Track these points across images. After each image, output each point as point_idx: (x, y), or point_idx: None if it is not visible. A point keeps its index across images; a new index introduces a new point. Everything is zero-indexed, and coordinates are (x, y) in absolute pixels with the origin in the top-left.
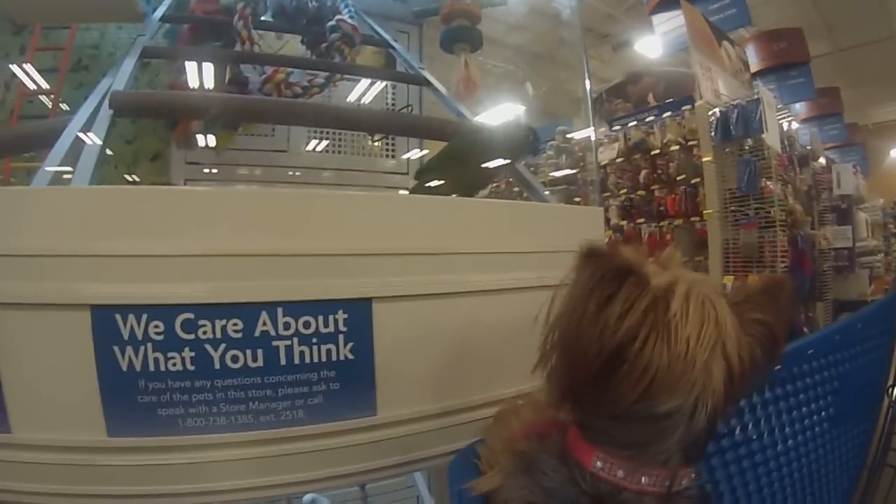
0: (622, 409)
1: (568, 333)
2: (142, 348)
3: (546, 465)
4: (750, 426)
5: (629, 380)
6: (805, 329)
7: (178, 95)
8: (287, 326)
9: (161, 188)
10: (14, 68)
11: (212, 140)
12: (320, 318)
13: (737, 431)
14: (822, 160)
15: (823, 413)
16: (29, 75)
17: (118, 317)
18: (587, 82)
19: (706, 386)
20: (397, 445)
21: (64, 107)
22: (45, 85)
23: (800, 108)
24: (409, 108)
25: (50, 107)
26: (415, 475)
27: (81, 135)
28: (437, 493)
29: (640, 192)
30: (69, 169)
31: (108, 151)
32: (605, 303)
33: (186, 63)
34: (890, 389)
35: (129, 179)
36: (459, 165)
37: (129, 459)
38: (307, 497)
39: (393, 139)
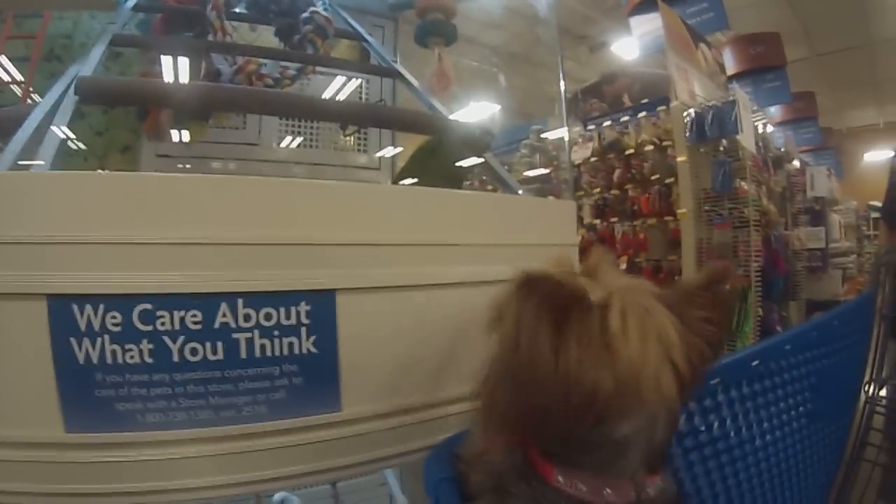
0: (574, 436)
1: (517, 369)
2: (99, 340)
3: (513, 485)
4: (728, 422)
5: (578, 408)
6: (778, 328)
7: (145, 82)
8: (247, 318)
9: (118, 174)
10: None
11: (183, 133)
12: (282, 310)
13: (715, 427)
14: (796, 162)
15: (801, 408)
16: (0, 64)
17: (75, 307)
18: (562, 81)
19: (659, 401)
20: (363, 442)
21: (35, 97)
22: (16, 74)
23: (775, 111)
24: (382, 101)
25: (20, 96)
26: (386, 473)
27: (49, 124)
28: (410, 492)
29: (613, 192)
30: (35, 163)
31: (80, 144)
32: (554, 334)
33: (158, 53)
34: (866, 386)
35: (102, 171)
36: (433, 164)
37: (88, 456)
38: (277, 496)
39: (365, 134)
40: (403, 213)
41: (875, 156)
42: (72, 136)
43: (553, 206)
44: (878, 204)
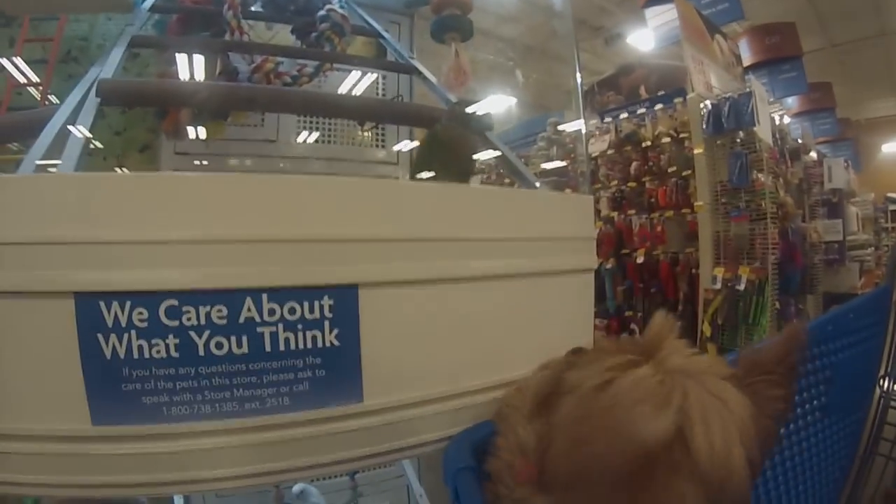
0: None
1: None
2: (125, 335)
3: None
4: None
5: None
6: (795, 321)
7: (165, 83)
8: (272, 313)
9: (143, 174)
10: (3, 61)
11: (201, 131)
12: (305, 305)
13: None
14: (813, 154)
15: (815, 402)
16: (18, 67)
17: (102, 304)
18: (578, 74)
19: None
20: (385, 432)
21: (53, 99)
22: (33, 76)
23: (792, 102)
24: (400, 97)
25: (39, 98)
26: (404, 465)
27: (71, 126)
28: (428, 484)
29: (630, 184)
30: (56, 162)
31: (97, 143)
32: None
33: (176, 53)
34: (881, 380)
35: (119, 171)
36: (443, 154)
37: (115, 448)
38: (296, 487)
39: (383, 129)
40: (423, 209)
41: (893, 147)
42: (97, 142)
43: (570, 201)
44: None
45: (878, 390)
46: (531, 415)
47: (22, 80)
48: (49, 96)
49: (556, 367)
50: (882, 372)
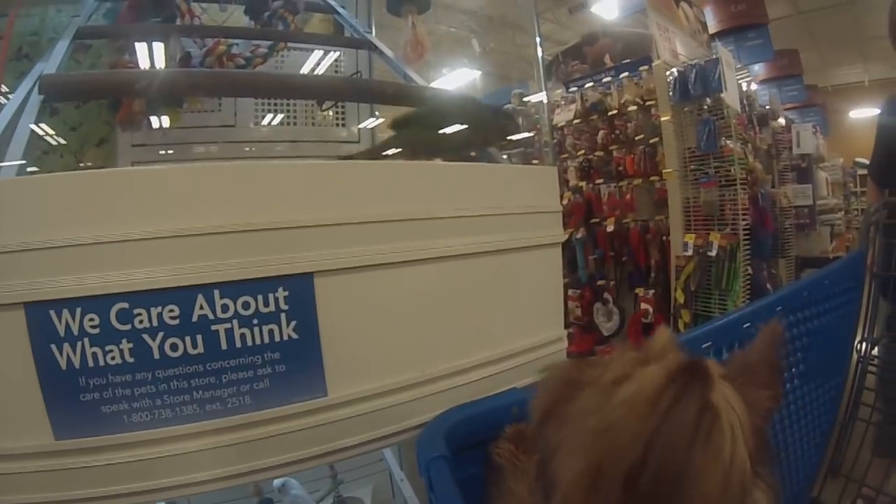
0: None
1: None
2: (79, 344)
3: None
4: None
5: None
6: (768, 286)
7: (110, 74)
8: (225, 309)
9: (82, 172)
10: None
11: (157, 120)
12: (259, 298)
13: None
14: (781, 120)
15: (794, 369)
16: None
17: (52, 313)
18: (538, 47)
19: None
20: (353, 425)
21: (8, 96)
22: None
23: (759, 69)
24: (359, 73)
25: None
26: (383, 451)
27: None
28: (410, 463)
29: (598, 153)
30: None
31: (51, 140)
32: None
33: (126, 41)
34: (858, 345)
35: (81, 167)
36: (414, 134)
37: (79, 461)
38: (277, 481)
39: (343, 108)
40: (378, 189)
41: (861, 113)
42: (44, 132)
43: (534, 173)
44: (865, 161)
45: (855, 355)
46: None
47: None
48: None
49: (558, 375)
50: (859, 337)
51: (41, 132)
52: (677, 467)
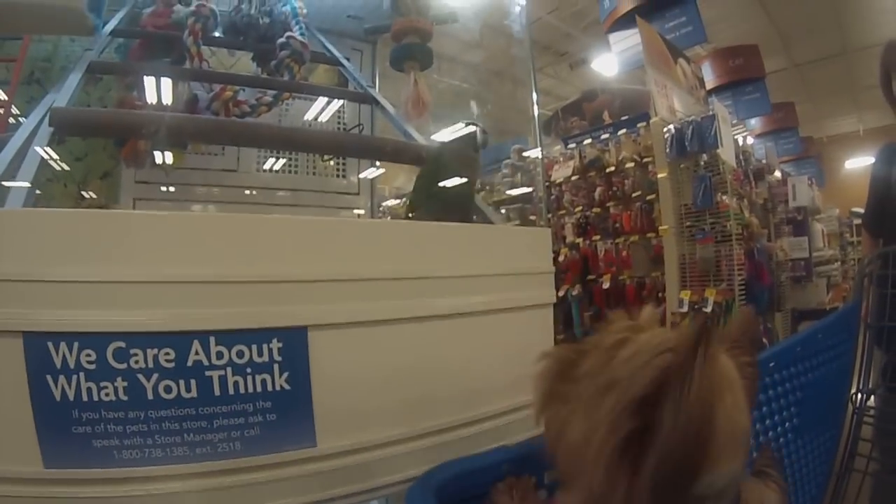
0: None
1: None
2: (74, 377)
3: None
4: None
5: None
6: (765, 340)
7: (120, 114)
8: (220, 356)
9: (92, 212)
10: None
11: (161, 158)
12: (254, 347)
13: None
14: (777, 173)
15: (787, 424)
16: None
17: (50, 344)
18: (535, 105)
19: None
20: (341, 476)
21: (20, 118)
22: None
23: (756, 122)
24: (360, 126)
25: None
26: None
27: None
28: None
29: (595, 210)
30: (15, 184)
31: (64, 166)
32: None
33: (136, 79)
34: (854, 396)
35: (86, 196)
36: (432, 192)
37: (67, 492)
38: None
39: (344, 159)
40: (375, 247)
41: (856, 162)
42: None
43: (527, 235)
44: (861, 210)
45: (850, 406)
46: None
47: None
48: (12, 117)
49: (555, 358)
50: (854, 389)
51: (47, 157)
52: (706, 423)
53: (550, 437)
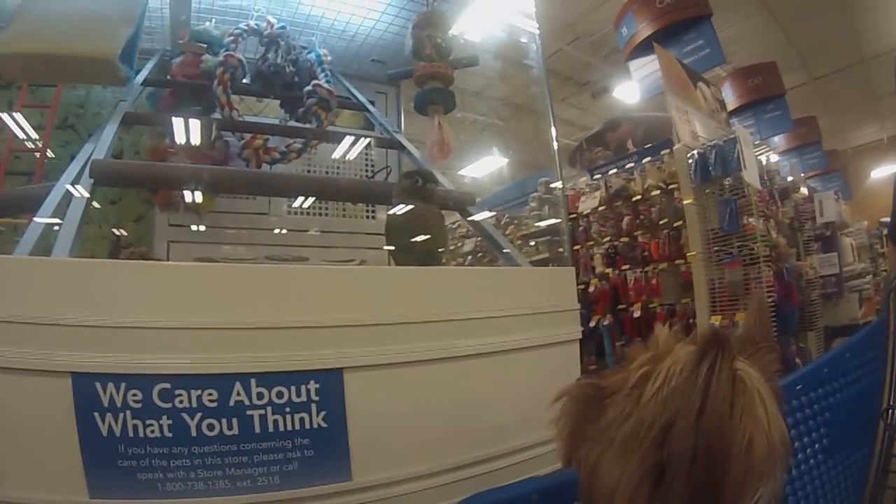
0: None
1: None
2: (121, 415)
3: None
4: None
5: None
6: (797, 360)
7: (155, 167)
8: (260, 396)
9: (138, 263)
10: (5, 117)
11: (194, 202)
12: (292, 388)
13: None
14: (803, 190)
15: (817, 445)
16: (20, 125)
17: (98, 385)
18: (554, 142)
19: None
20: None
21: (52, 157)
22: (33, 135)
23: (779, 140)
24: (388, 169)
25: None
26: None
27: (72, 189)
28: None
29: (623, 239)
30: (56, 219)
31: (96, 205)
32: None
33: (168, 127)
34: (885, 413)
35: (117, 234)
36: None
37: None
38: None
39: None
40: (406, 293)
41: (882, 172)
42: (94, 204)
43: (551, 275)
44: (888, 220)
45: (881, 424)
46: (568, 450)
47: (21, 135)
48: (46, 160)
49: (576, 398)
50: (885, 405)
51: (88, 206)
52: (723, 443)
53: (583, 478)
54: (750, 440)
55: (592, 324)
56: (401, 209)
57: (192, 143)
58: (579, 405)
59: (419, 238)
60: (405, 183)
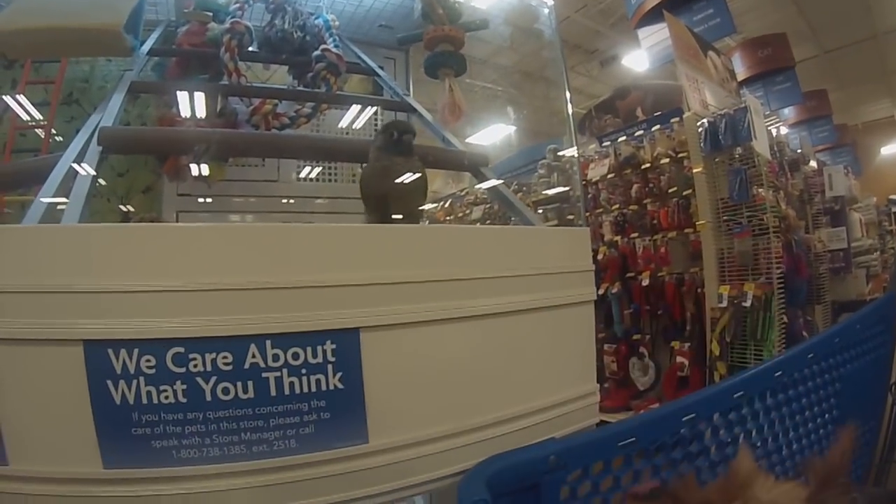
0: None
1: None
2: (134, 382)
3: None
4: (753, 433)
5: None
6: (805, 333)
7: (165, 132)
8: (276, 358)
9: (148, 225)
10: (8, 99)
11: (203, 171)
12: (308, 350)
13: (741, 439)
14: (813, 163)
15: (827, 415)
16: (23, 106)
17: (110, 351)
18: (568, 104)
19: None
20: (392, 471)
21: (57, 138)
22: (38, 115)
23: (789, 112)
24: None
25: (42, 140)
26: (415, 500)
27: (75, 166)
28: None
29: (632, 207)
30: (63, 200)
31: (102, 181)
32: None
33: (175, 97)
34: (893, 387)
35: (124, 210)
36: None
37: (125, 490)
38: None
39: None
40: (421, 251)
41: (892, 149)
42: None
43: (567, 235)
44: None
45: (890, 397)
46: None
47: (26, 119)
48: (52, 138)
49: None
50: (894, 379)
51: (96, 176)
52: None
53: None
54: None
55: (601, 291)
56: (375, 165)
57: (200, 112)
58: None
59: (396, 195)
60: (380, 138)
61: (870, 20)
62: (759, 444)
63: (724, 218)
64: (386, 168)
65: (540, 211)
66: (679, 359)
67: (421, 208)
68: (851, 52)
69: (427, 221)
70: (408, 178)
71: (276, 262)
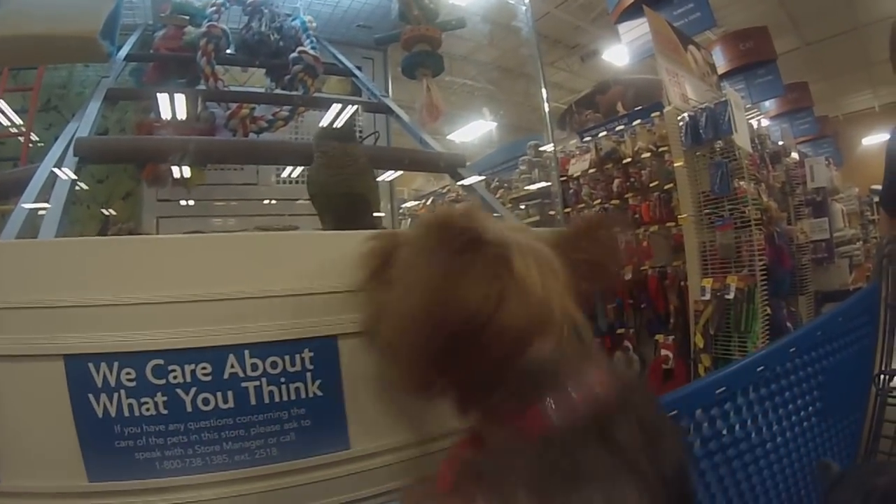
0: (499, 367)
1: (429, 310)
2: (115, 395)
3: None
4: (737, 427)
5: (499, 341)
6: (788, 324)
7: (140, 140)
8: (255, 368)
9: (124, 238)
10: None
11: (182, 175)
12: (287, 358)
13: (724, 434)
14: (794, 155)
15: (810, 408)
16: (3, 112)
17: (91, 365)
18: (545, 103)
19: (566, 321)
20: (373, 477)
21: (39, 144)
22: (18, 121)
23: (770, 105)
24: (376, 134)
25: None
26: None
27: (56, 170)
28: None
29: (614, 202)
30: (44, 205)
31: (83, 186)
32: (461, 273)
33: (153, 103)
34: (877, 378)
35: (106, 213)
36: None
37: (111, 502)
38: None
39: None
40: None
41: (873, 139)
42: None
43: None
44: (879, 188)
45: (874, 388)
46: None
47: (6, 122)
48: (33, 144)
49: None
50: (877, 370)
51: (75, 186)
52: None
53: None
54: (500, 298)
55: None
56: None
57: (178, 117)
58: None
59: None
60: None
61: (851, 11)
62: (742, 438)
63: (706, 211)
64: (327, 156)
65: (522, 207)
66: (664, 351)
67: (376, 195)
68: (833, 43)
69: (409, 220)
70: (349, 164)
71: (252, 272)
